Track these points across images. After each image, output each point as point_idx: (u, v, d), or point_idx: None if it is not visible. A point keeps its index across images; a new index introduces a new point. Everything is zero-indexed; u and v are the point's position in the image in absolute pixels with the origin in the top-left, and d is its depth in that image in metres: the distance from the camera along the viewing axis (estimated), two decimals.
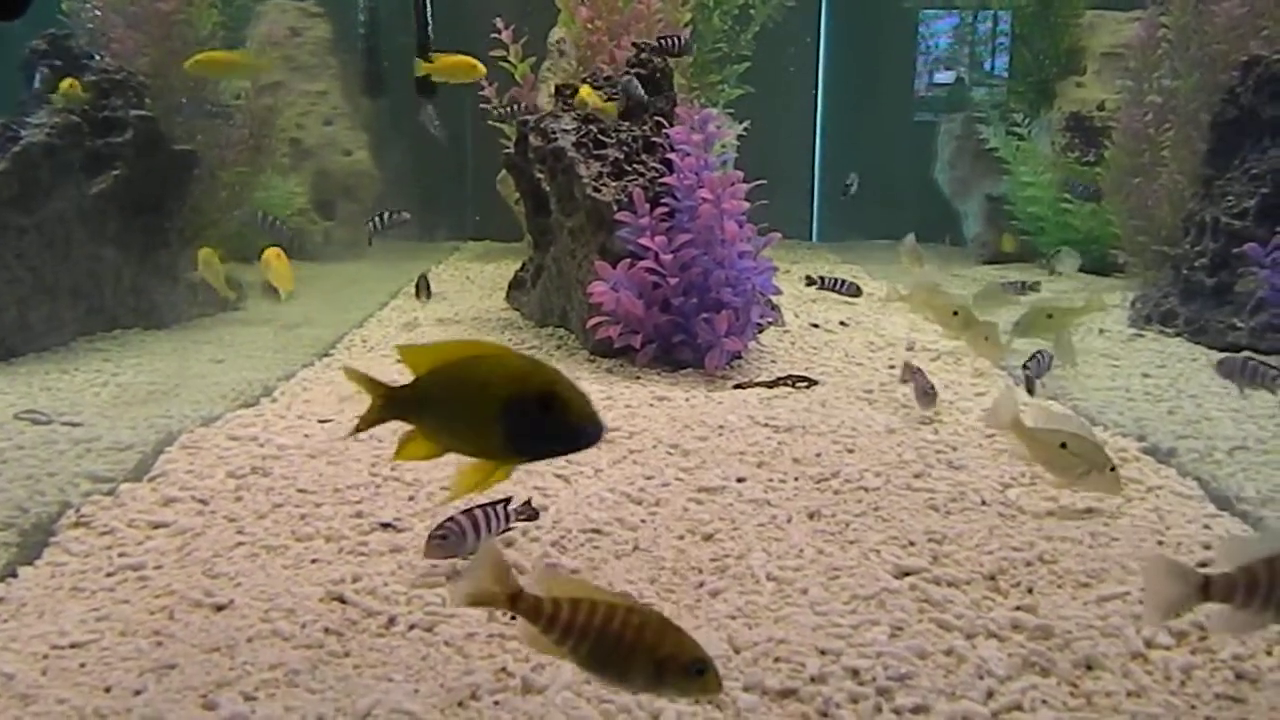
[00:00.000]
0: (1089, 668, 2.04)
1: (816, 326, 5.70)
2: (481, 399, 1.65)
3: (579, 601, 1.57)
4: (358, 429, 1.83)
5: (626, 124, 5.20)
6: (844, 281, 6.28)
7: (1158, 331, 5.59)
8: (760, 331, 5.06)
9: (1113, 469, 2.83)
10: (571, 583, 1.65)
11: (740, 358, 4.73)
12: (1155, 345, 5.29)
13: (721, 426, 3.62)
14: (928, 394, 3.81)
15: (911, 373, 3.96)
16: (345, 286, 7.68)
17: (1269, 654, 2.08)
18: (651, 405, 3.96)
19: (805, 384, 4.32)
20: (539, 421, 1.65)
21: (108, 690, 1.97)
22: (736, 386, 4.32)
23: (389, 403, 1.79)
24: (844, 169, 10.67)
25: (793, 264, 8.26)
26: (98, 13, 6.65)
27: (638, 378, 4.50)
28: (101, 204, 5.35)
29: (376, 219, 6.79)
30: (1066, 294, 6.81)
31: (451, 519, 2.44)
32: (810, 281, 6.46)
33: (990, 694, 1.94)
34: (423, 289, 6.22)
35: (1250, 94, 5.71)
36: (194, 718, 1.87)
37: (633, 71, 5.40)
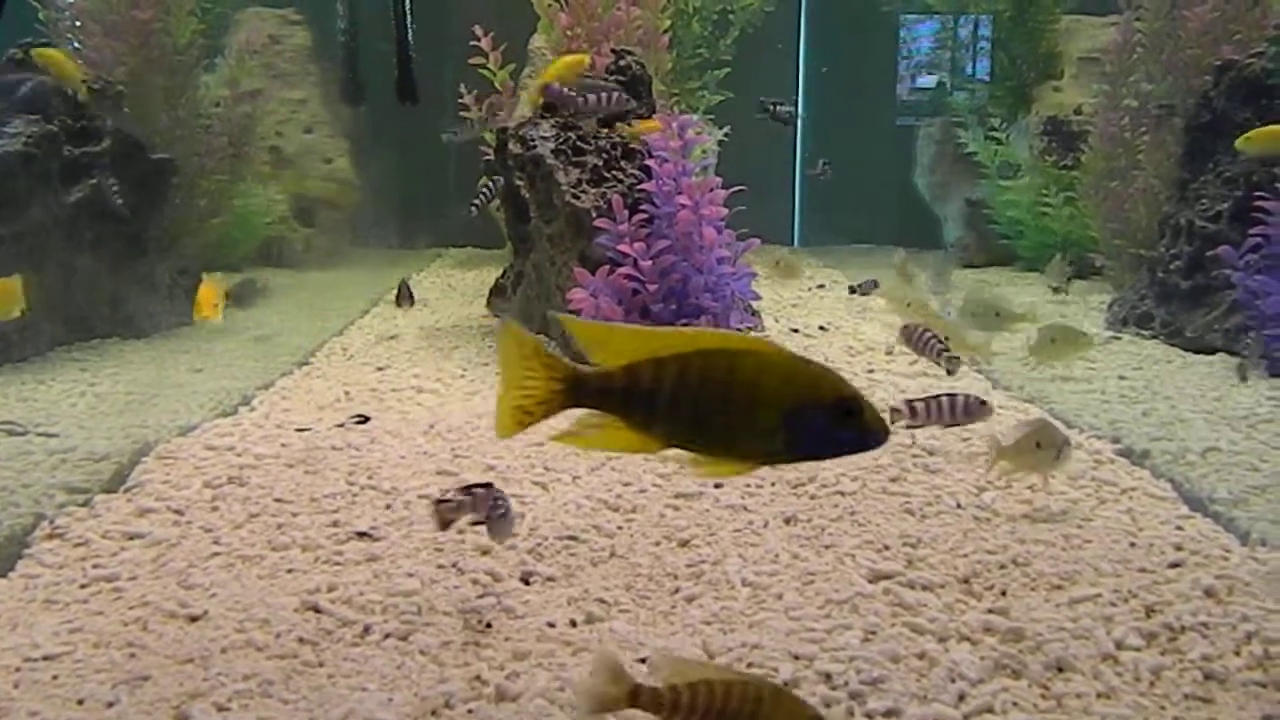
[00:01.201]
0: (1060, 670, 2.06)
1: (796, 332, 5.72)
2: (754, 402, 1.51)
3: (697, 685, 1.55)
4: (524, 423, 1.61)
5: (605, 130, 5.21)
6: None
7: (1134, 334, 5.63)
8: None
9: (1067, 442, 2.89)
10: (688, 666, 1.61)
11: None
12: (1131, 348, 5.33)
13: None
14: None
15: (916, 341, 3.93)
16: (325, 294, 7.67)
17: (1237, 654, 2.10)
18: None
19: None
20: (829, 428, 1.54)
21: (80, 702, 1.97)
22: None
23: (577, 390, 1.57)
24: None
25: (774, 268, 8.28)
26: (76, 23, 6.64)
27: None
28: (79, 213, 5.32)
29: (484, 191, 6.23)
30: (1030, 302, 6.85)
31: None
32: (853, 290, 6.40)
33: (962, 697, 1.95)
34: (404, 296, 6.18)
35: (1223, 98, 5.77)
36: None
37: (613, 78, 5.41)
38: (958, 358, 4.12)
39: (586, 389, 1.56)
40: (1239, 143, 5.11)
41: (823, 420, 1.53)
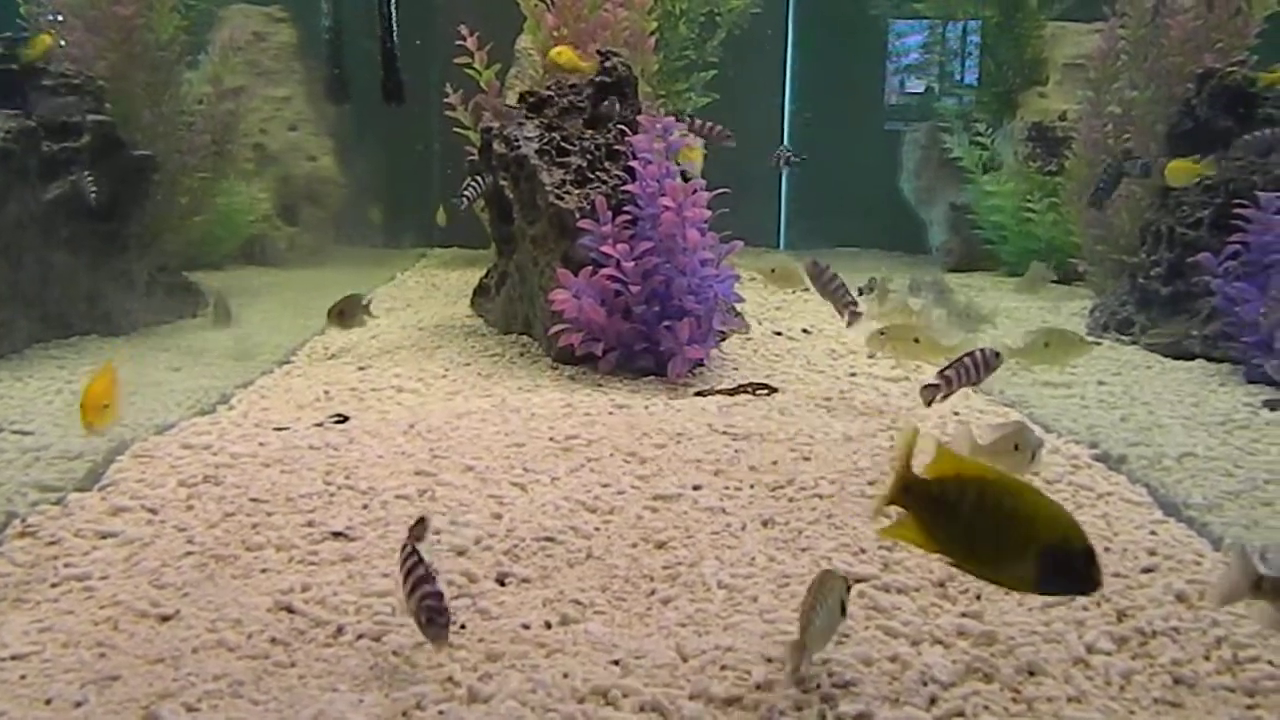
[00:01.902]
0: (1031, 673, 2.06)
1: (779, 334, 5.73)
2: (1018, 533, 1.73)
3: None
4: (876, 509, 1.91)
5: (590, 131, 5.21)
6: None
7: (1114, 339, 5.66)
8: (723, 339, 5.08)
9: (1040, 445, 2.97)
10: None
11: (702, 365, 4.75)
12: (1111, 353, 5.36)
13: (680, 434, 3.63)
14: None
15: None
16: (308, 293, 7.62)
17: (1207, 659, 2.11)
18: (611, 413, 3.96)
19: (765, 391, 4.34)
20: (1068, 569, 1.73)
21: (48, 702, 1.95)
22: (697, 394, 4.33)
23: (904, 486, 1.83)
24: (811, 176, 10.75)
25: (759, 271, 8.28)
26: (58, 17, 6.59)
27: (599, 385, 4.50)
28: (57, 209, 5.29)
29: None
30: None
31: None
32: (860, 291, 6.33)
33: (933, 700, 1.96)
34: (349, 313, 5.22)
35: (1205, 106, 5.81)
36: None
37: (598, 79, 5.41)
38: (860, 312, 4.27)
39: (908, 489, 1.83)
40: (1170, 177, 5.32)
41: (1066, 564, 1.73)
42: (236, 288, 7.50)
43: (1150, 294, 5.64)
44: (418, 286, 7.81)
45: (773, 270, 5.76)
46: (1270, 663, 2.10)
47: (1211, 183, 5.46)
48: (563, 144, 5.12)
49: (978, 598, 2.40)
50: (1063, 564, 1.73)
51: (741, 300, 5.14)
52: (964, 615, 2.29)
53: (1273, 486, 3.22)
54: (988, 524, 1.75)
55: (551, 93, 5.47)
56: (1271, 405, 4.21)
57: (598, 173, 5.01)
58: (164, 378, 4.67)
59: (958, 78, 10.19)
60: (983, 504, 1.75)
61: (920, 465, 1.84)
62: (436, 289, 7.71)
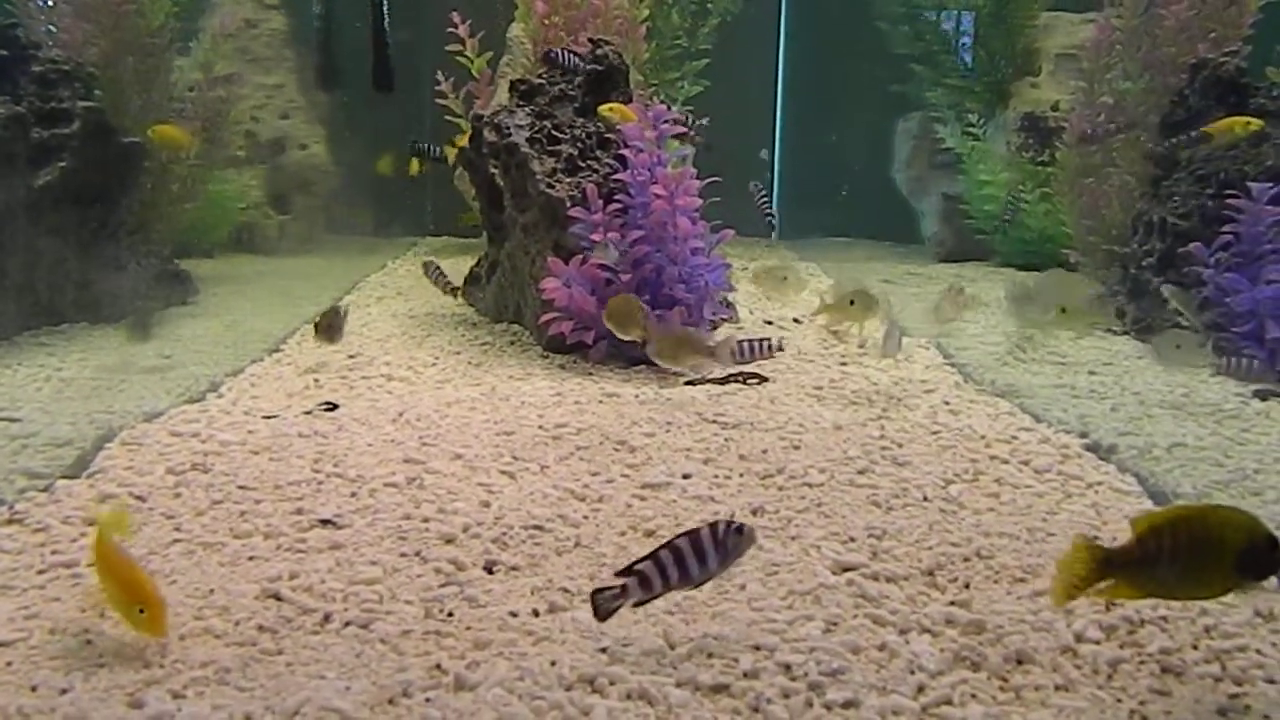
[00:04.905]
0: (1019, 662, 2.06)
1: (770, 324, 5.72)
2: (1216, 551, 1.89)
3: None
4: (1060, 600, 2.02)
5: (581, 120, 5.19)
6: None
7: (1106, 330, 5.65)
8: (714, 329, 5.07)
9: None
10: None
11: None
12: (1103, 343, 5.36)
13: (669, 423, 3.63)
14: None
15: None
16: (299, 281, 7.61)
17: (1195, 648, 2.11)
18: (601, 402, 3.96)
19: (756, 381, 4.33)
20: (1260, 563, 1.90)
21: (34, 689, 1.94)
22: (688, 383, 4.33)
23: (1105, 563, 1.96)
24: (804, 166, 10.74)
25: (751, 261, 8.27)
26: (48, 2, 6.55)
27: (590, 374, 4.50)
28: (47, 196, 5.26)
29: None
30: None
31: None
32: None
33: (921, 688, 1.96)
34: (330, 326, 4.71)
35: (1197, 96, 5.80)
36: (119, 716, 1.84)
37: (589, 67, 5.39)
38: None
39: (1109, 563, 1.95)
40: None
41: (1260, 556, 1.89)
42: (227, 275, 7.49)
43: (1142, 284, 5.63)
44: (409, 275, 7.78)
45: (770, 270, 5.48)
46: (1258, 651, 2.10)
47: (1204, 172, 5.46)
48: (554, 132, 5.10)
49: (966, 586, 2.40)
50: (1255, 560, 1.89)
51: (733, 289, 5.13)
52: (952, 604, 2.29)
53: (1262, 476, 3.23)
54: (1188, 558, 1.90)
55: (543, 81, 5.45)
56: (1262, 395, 4.22)
57: (589, 161, 4.99)
58: (154, 365, 4.65)
59: (949, 68, 10.14)
60: (1177, 542, 1.90)
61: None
62: (427, 277, 7.67)
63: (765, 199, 6.90)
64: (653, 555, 2.02)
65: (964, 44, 9.87)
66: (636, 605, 2.07)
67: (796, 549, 2.59)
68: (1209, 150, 5.34)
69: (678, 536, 2.04)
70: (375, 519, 2.74)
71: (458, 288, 5.89)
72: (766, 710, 1.87)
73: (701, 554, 2.01)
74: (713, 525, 2.03)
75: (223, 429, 3.52)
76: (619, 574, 2.05)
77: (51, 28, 6.52)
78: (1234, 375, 4.30)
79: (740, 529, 2.04)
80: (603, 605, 2.04)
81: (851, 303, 4.60)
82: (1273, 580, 2.37)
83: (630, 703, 1.89)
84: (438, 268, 5.94)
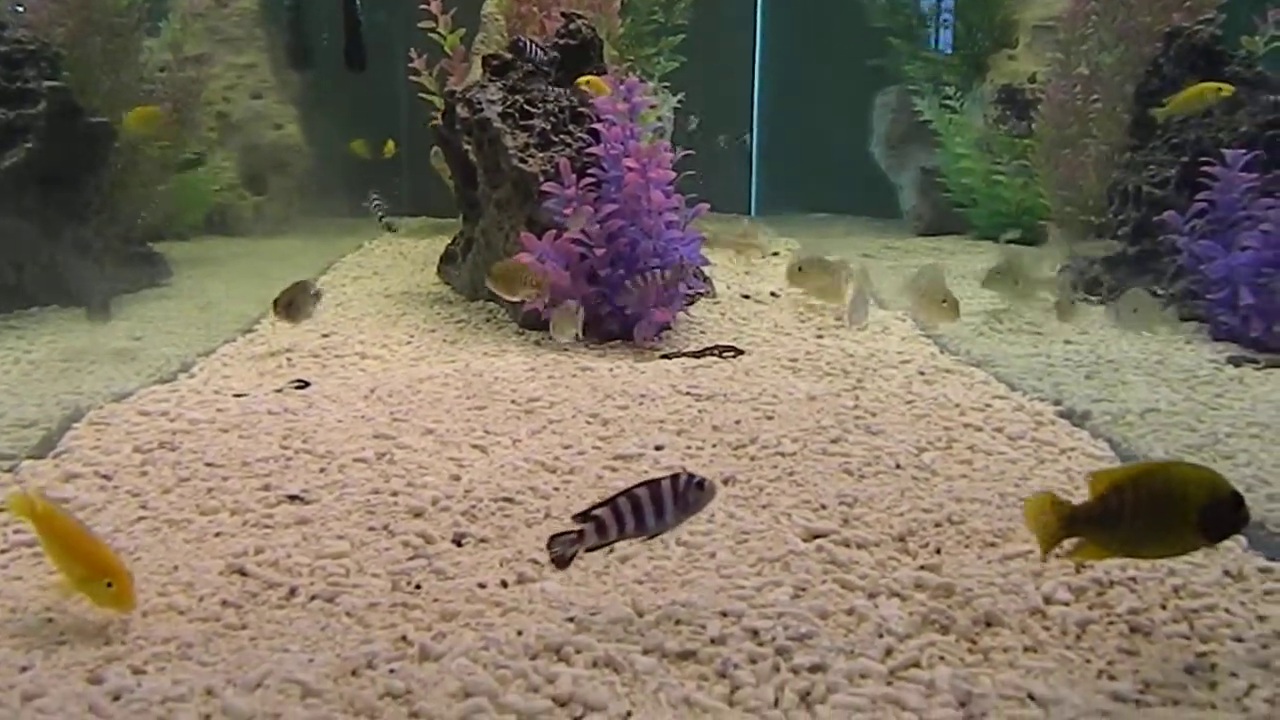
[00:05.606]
0: (988, 624, 2.06)
1: (747, 298, 5.70)
2: (1179, 508, 1.89)
3: None
4: (1043, 553, 2.04)
5: (554, 94, 5.15)
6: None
7: (1082, 299, 5.65)
8: (690, 303, 5.04)
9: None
10: None
11: (669, 329, 4.72)
12: (1078, 313, 5.35)
13: (643, 395, 3.61)
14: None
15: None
16: (274, 262, 7.54)
17: (1163, 608, 2.11)
18: (575, 376, 3.94)
19: (732, 353, 4.32)
20: (1227, 518, 1.90)
21: None
22: (663, 357, 4.31)
23: (1070, 519, 1.97)
24: (783, 141, 10.69)
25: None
26: None
27: (565, 350, 4.47)
28: (12, 178, 5.18)
29: None
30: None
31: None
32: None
33: (889, 651, 1.95)
34: (295, 305, 4.52)
35: (1172, 65, 5.80)
36: (78, 692, 1.81)
37: (562, 42, 5.34)
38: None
39: (1073, 519, 1.97)
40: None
41: (1223, 513, 1.90)
42: (201, 257, 7.43)
43: (1118, 253, 5.64)
44: (385, 255, 7.73)
45: (741, 235, 5.68)
46: (1226, 610, 2.10)
47: (1178, 140, 5.46)
48: (526, 107, 5.05)
49: (937, 551, 2.39)
50: (1218, 515, 1.89)
51: (708, 263, 5.10)
52: (922, 568, 2.28)
53: (1234, 440, 3.24)
54: (1150, 514, 1.91)
55: (515, 56, 5.40)
56: (1235, 361, 4.23)
57: (562, 135, 4.95)
58: (125, 346, 4.61)
59: (930, 41, 10.10)
60: (1139, 498, 1.91)
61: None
62: (404, 256, 7.62)
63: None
64: (610, 502, 2.01)
65: (945, 20, 9.83)
66: (590, 550, 2.05)
67: (767, 517, 2.58)
68: (1167, 114, 5.37)
69: (637, 485, 2.02)
70: (343, 494, 2.71)
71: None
72: (733, 675, 1.86)
73: (660, 505, 2.00)
74: (674, 477, 2.02)
75: (192, 408, 3.48)
76: (575, 518, 2.03)
77: (18, 8, 6.44)
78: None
79: (701, 483, 2.02)
80: (560, 550, 2.02)
81: (800, 269, 4.68)
82: (1243, 539, 2.39)
83: (596, 670, 1.88)
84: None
